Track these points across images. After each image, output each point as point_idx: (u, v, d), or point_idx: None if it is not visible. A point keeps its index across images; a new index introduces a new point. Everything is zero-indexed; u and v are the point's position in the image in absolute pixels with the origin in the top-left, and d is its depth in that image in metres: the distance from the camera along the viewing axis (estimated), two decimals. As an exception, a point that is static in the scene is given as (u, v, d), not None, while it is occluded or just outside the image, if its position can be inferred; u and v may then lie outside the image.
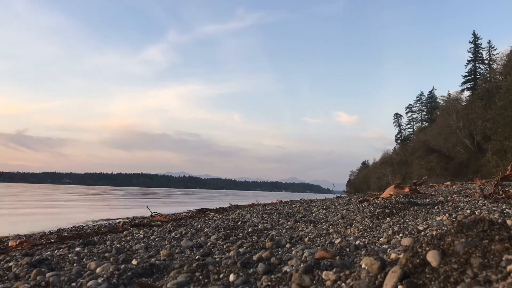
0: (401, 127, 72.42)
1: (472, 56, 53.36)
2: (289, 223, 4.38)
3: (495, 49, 51.50)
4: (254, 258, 2.35)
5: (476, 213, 3.34)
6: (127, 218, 8.89)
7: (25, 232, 6.26)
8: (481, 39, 52.78)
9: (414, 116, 69.82)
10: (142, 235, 4.07)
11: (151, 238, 3.83)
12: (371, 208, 4.48)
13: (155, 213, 8.34)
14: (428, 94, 67.22)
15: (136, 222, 6.43)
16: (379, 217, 3.84)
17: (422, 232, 2.76)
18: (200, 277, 2.05)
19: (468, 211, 3.50)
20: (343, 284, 1.61)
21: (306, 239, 3.07)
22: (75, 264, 2.63)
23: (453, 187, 9.68)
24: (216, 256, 2.60)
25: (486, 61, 52.67)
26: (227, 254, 2.66)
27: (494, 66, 48.58)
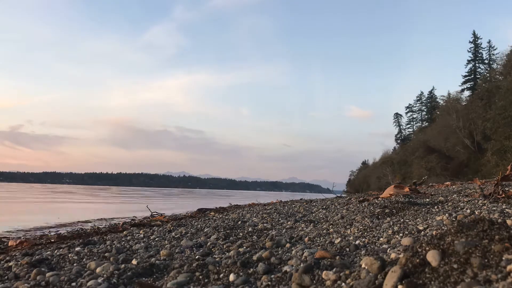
0: (401, 127, 72.60)
1: (472, 56, 53.43)
2: (289, 223, 4.37)
3: (495, 49, 51.58)
4: (254, 258, 2.35)
5: (476, 213, 3.34)
6: (127, 218, 8.90)
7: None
8: (481, 39, 52.88)
9: (414, 116, 69.95)
10: (142, 235, 4.07)
11: (151, 238, 3.83)
12: (371, 208, 4.48)
13: (155, 213, 8.35)
14: (428, 94, 67.30)
15: (136, 222, 6.44)
16: (379, 217, 3.83)
17: (422, 232, 2.76)
18: (200, 277, 2.05)
19: (468, 211, 3.50)
20: (343, 284, 1.61)
21: (306, 239, 3.07)
22: (75, 264, 2.63)
23: (453, 187, 9.67)
24: (216, 256, 2.60)
25: (486, 61, 52.73)
26: (227, 254, 2.66)
27: (494, 66, 48.63)
